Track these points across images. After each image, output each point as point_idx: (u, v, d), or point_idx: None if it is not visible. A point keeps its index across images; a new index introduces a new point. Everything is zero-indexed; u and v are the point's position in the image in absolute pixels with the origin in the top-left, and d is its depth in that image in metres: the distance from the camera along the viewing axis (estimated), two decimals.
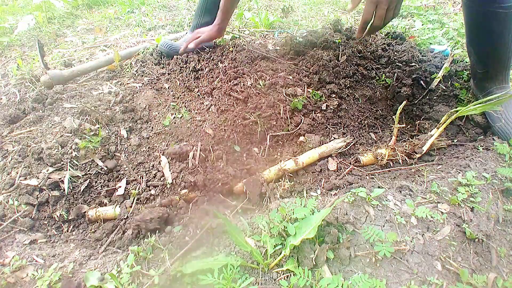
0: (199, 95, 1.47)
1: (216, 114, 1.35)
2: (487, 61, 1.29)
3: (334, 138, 1.31)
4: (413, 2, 2.60)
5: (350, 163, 1.22)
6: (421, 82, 1.54)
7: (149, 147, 1.26)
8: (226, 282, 0.72)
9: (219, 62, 1.57)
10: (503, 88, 1.31)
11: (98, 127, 1.28)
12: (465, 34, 1.29)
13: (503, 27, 1.16)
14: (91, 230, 1.08)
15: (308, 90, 1.43)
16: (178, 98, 1.48)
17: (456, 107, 1.40)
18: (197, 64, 1.58)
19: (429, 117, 1.43)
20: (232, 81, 1.43)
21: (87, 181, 1.15)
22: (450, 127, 1.38)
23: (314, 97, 1.40)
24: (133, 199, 1.12)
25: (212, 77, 1.50)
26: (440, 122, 1.22)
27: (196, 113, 1.38)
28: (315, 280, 0.75)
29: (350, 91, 1.48)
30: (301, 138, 1.30)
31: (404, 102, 1.22)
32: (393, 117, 1.45)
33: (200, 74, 1.55)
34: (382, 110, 1.49)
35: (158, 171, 1.19)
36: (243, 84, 1.41)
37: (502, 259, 0.86)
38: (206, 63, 1.58)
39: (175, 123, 1.33)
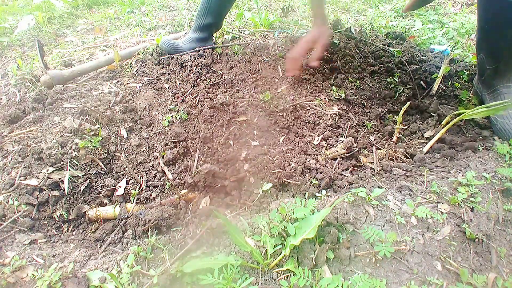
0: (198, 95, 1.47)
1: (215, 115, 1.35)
2: (499, 57, 1.27)
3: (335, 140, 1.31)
4: None
5: (350, 163, 1.22)
6: (421, 82, 1.54)
7: (149, 147, 1.26)
8: (226, 282, 0.72)
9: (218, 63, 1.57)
10: (509, 87, 1.30)
11: (98, 127, 1.28)
12: (477, 28, 1.28)
13: None
14: (91, 230, 1.08)
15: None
16: (177, 98, 1.47)
17: (457, 108, 1.40)
18: (196, 65, 1.58)
19: (429, 117, 1.43)
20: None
21: (87, 181, 1.15)
22: (450, 127, 1.37)
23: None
24: (133, 199, 1.12)
25: (210, 79, 1.50)
26: (442, 123, 1.22)
27: (196, 113, 1.38)
28: (315, 280, 0.75)
29: (351, 91, 1.47)
30: None
31: (408, 103, 1.21)
32: (394, 117, 1.45)
33: (200, 75, 1.55)
34: (382, 110, 1.49)
35: (158, 171, 1.19)
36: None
37: (502, 259, 0.86)
38: (206, 65, 1.58)
39: (173, 122, 1.33)
